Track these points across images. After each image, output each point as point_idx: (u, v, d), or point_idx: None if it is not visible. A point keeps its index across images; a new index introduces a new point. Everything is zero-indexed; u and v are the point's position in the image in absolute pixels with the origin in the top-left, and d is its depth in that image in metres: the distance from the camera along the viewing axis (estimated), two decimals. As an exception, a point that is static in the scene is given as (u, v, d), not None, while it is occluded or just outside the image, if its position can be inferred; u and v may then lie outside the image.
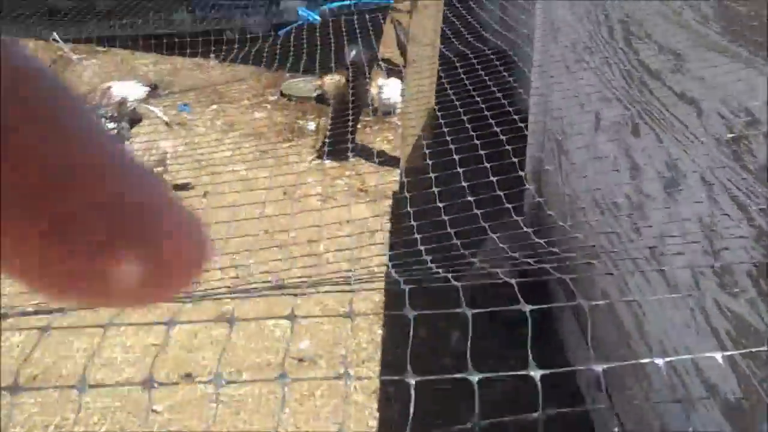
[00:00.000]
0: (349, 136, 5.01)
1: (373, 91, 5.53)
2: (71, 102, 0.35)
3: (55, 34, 6.26)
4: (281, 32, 5.38)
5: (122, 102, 4.69)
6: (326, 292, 3.45)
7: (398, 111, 5.27)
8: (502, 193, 3.25)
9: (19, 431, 2.75)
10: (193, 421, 2.79)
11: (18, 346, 3.12)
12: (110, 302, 0.42)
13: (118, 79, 5.12)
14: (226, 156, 4.79)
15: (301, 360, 3.06)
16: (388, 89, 5.44)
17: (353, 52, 6.29)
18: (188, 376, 2.97)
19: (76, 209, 0.35)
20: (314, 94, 5.96)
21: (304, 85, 6.16)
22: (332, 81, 5.86)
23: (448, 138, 3.94)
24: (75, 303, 0.41)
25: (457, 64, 4.51)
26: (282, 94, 6.06)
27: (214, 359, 3.05)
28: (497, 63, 4.43)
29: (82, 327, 3.18)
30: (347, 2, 4.28)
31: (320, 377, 3.00)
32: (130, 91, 4.76)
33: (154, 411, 2.79)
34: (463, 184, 3.56)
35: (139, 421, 2.74)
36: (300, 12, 4.37)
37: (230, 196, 4.40)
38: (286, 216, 4.20)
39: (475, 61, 4.52)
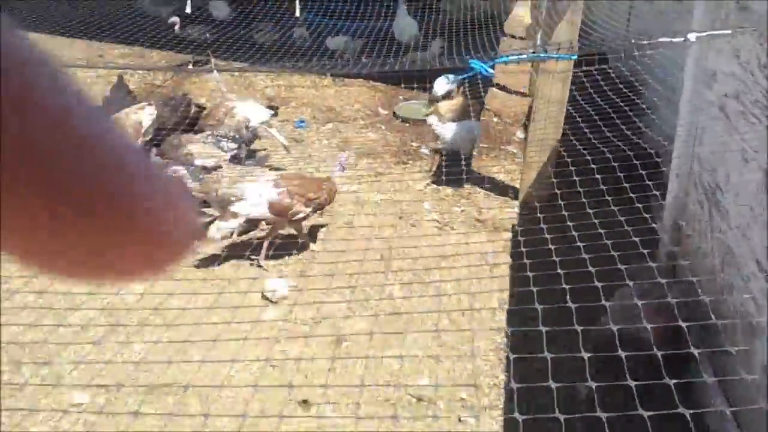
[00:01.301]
0: (465, 163, 4.90)
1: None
2: (67, 83, 0.39)
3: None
4: (456, 80, 5.34)
5: (245, 123, 4.74)
6: (444, 330, 3.35)
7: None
8: (636, 239, 3.07)
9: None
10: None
11: (139, 353, 3.15)
12: (104, 275, 0.47)
13: (238, 97, 5.18)
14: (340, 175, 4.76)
15: (419, 399, 2.94)
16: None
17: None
18: (305, 402, 2.91)
19: (66, 180, 0.38)
20: (425, 117, 5.88)
21: (418, 107, 6.10)
22: (447, 105, 5.77)
23: (575, 175, 3.78)
24: (68, 277, 0.45)
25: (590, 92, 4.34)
26: (395, 116, 6.02)
27: (330, 388, 2.98)
28: (627, 92, 4.24)
29: (194, 341, 3.19)
30: (525, 56, 4.15)
31: (439, 416, 2.88)
32: (253, 113, 4.79)
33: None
34: (595, 221, 3.39)
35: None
36: (472, 64, 4.29)
37: (345, 216, 4.37)
38: (402, 241, 4.12)
39: (606, 88, 4.34)
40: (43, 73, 0.40)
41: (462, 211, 4.49)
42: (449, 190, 4.72)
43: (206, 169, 4.22)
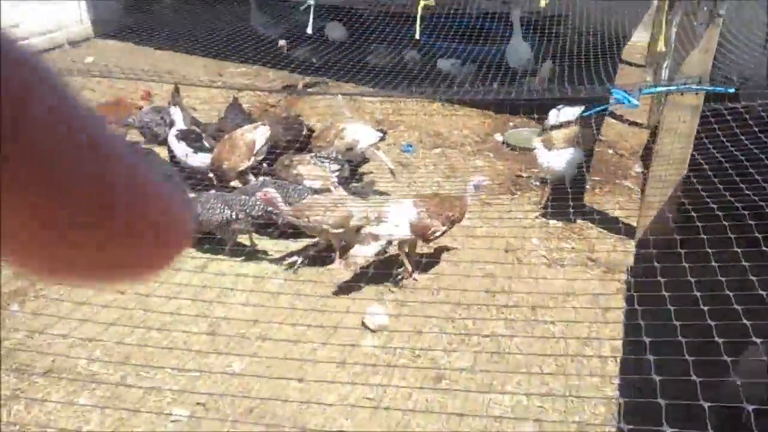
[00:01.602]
0: (574, 197, 4.68)
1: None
2: (65, 88, 0.41)
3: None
4: (589, 113, 5.16)
5: (353, 145, 4.73)
6: (551, 374, 3.17)
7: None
8: (765, 293, 2.81)
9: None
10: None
11: (237, 378, 3.15)
12: (97, 276, 0.47)
13: (347, 119, 5.20)
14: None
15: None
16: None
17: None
18: (402, 439, 2.82)
19: (65, 181, 0.39)
20: (535, 144, 5.70)
21: (528, 134, 5.93)
22: (561, 134, 5.56)
23: (698, 220, 3.53)
24: (64, 279, 0.48)
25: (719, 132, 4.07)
26: (505, 143, 5.88)
27: (428, 425, 2.87)
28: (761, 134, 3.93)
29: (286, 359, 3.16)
30: (674, 87, 3.95)
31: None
32: (363, 135, 4.78)
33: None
34: (717, 271, 3.15)
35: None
36: (614, 93, 4.13)
37: (448, 245, 4.25)
38: (507, 275, 3.97)
39: (736, 127, 4.05)
40: (41, 77, 0.41)
41: (572, 248, 4.28)
42: (559, 224, 4.52)
43: (315, 191, 4.24)
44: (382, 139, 4.87)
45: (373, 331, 3.48)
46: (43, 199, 0.40)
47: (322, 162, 4.46)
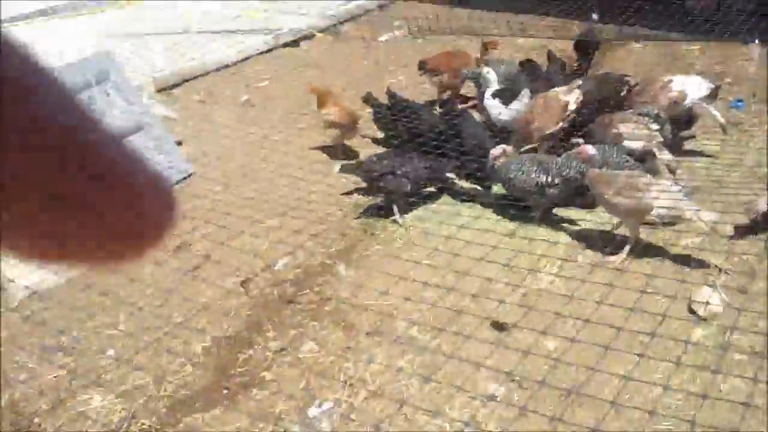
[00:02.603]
0: None
1: None
2: (48, 77, 0.44)
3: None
4: None
5: (679, 99, 4.25)
6: None
7: None
8: None
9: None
10: None
11: (554, 351, 3.03)
12: (83, 259, 0.50)
13: (674, 72, 4.69)
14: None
15: None
16: None
17: None
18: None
19: (45, 166, 0.43)
20: None
21: None
22: None
23: None
24: (54, 262, 0.48)
25: None
26: None
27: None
28: None
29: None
30: None
31: None
32: (691, 88, 4.28)
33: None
34: None
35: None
36: None
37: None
38: None
39: None
40: (28, 67, 0.44)
41: None
42: None
43: (632, 153, 3.90)
44: (714, 90, 4.31)
45: (703, 319, 3.11)
46: (31, 186, 0.43)
47: (644, 120, 4.07)
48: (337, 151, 5.09)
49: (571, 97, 4.39)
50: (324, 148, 5.21)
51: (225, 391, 3.07)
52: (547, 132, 4.39)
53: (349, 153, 5.10)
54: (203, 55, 7.24)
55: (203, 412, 2.96)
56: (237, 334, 3.43)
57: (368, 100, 5.27)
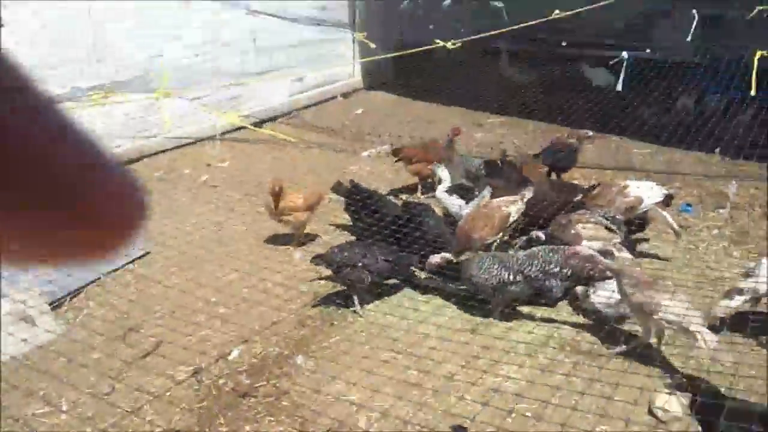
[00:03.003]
0: None
1: None
2: (23, 78, 0.45)
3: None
4: None
5: (635, 204, 4.40)
6: None
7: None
8: None
9: None
10: None
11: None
12: (51, 257, 0.50)
13: (634, 178, 4.87)
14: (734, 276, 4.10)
15: None
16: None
17: None
18: None
19: (14, 167, 0.43)
20: None
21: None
22: None
23: None
24: (21, 262, 0.48)
25: None
26: (806, 204, 5.13)
27: None
28: None
29: None
30: None
31: None
32: (647, 193, 4.44)
33: None
34: None
35: None
36: None
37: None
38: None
39: None
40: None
41: None
42: None
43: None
44: (668, 197, 4.49)
45: (663, 422, 3.12)
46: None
47: (602, 222, 4.19)
48: (295, 237, 5.06)
49: (513, 207, 4.51)
50: (284, 235, 5.19)
51: (175, 491, 2.90)
52: (487, 242, 4.46)
53: (308, 238, 5.10)
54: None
55: None
56: (187, 428, 3.28)
57: (338, 189, 5.30)
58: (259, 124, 7.81)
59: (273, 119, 7.92)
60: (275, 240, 5.15)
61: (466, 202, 4.85)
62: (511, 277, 3.88)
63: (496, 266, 3.92)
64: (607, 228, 4.16)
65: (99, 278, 4.65)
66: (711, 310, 3.59)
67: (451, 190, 4.98)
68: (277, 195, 4.81)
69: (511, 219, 4.53)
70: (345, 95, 8.90)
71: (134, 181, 0.55)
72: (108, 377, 3.64)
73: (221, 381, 3.60)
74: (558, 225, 4.26)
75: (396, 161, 6.05)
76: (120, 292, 4.55)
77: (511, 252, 4.26)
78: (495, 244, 4.53)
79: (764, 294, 3.53)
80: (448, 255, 4.19)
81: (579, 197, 4.76)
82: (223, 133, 7.54)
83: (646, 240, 4.74)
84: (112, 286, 4.60)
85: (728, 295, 3.61)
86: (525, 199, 4.57)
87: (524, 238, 4.41)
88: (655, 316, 3.37)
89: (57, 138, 0.48)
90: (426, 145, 5.96)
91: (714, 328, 3.41)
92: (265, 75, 7.99)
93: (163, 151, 7.03)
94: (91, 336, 4.06)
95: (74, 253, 0.52)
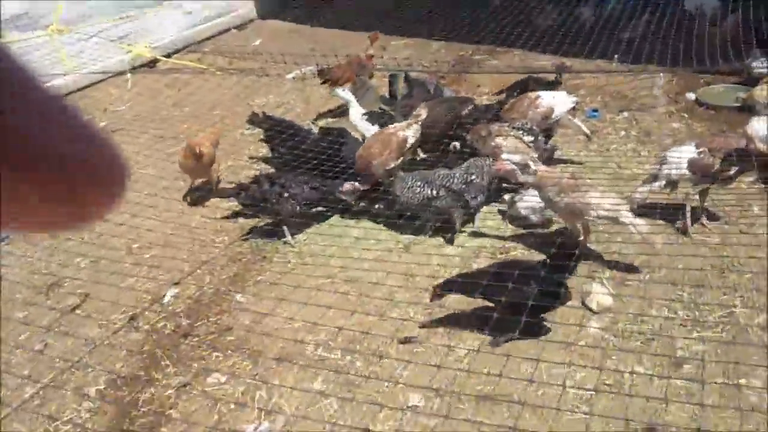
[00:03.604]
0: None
1: None
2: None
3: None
4: None
5: (548, 114, 4.52)
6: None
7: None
8: None
9: None
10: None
11: (465, 359, 3.10)
12: (34, 225, 0.55)
13: (544, 88, 4.97)
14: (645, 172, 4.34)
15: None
16: None
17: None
18: (651, 430, 2.65)
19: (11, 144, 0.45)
20: (737, 104, 5.23)
21: (727, 92, 5.46)
22: (765, 89, 5.07)
23: None
24: (11, 229, 0.53)
25: None
26: (699, 102, 5.43)
27: (678, 415, 2.69)
28: None
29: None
30: None
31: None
32: (559, 102, 4.56)
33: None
34: None
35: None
36: None
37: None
38: (735, 249, 3.66)
39: None
40: None
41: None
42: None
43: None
44: (576, 104, 4.64)
45: (595, 312, 3.31)
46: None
47: (520, 134, 4.29)
48: (212, 181, 4.82)
49: (409, 131, 4.50)
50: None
51: (129, 435, 2.86)
52: (389, 167, 4.38)
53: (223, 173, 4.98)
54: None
55: (109, 460, 2.74)
56: (133, 373, 3.21)
57: (253, 120, 5.16)
58: (154, 63, 7.44)
59: (168, 56, 7.54)
60: (189, 180, 4.98)
61: (380, 126, 4.81)
62: (435, 192, 3.94)
63: (419, 183, 3.97)
64: (522, 141, 4.25)
65: (7, 236, 4.39)
66: (631, 196, 3.82)
67: (369, 116, 4.95)
68: (199, 157, 4.49)
69: (410, 142, 4.50)
70: (239, 27, 8.56)
71: (117, 150, 0.57)
72: (38, 334, 3.50)
73: (160, 324, 3.53)
74: (478, 137, 4.32)
75: (322, 83, 5.94)
76: (32, 249, 4.32)
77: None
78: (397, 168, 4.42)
79: (676, 178, 3.77)
80: (357, 183, 4.22)
81: (469, 108, 4.84)
82: (133, 68, 7.17)
83: (556, 148, 4.89)
84: (22, 244, 4.37)
85: (646, 182, 3.90)
86: (420, 120, 4.56)
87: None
88: (586, 216, 3.53)
89: (47, 114, 0.50)
90: (351, 62, 5.86)
91: (634, 212, 3.62)
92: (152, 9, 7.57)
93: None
94: (12, 293, 3.87)
95: (65, 220, 0.54)
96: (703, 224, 3.87)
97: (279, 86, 6.70)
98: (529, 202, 3.95)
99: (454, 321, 3.34)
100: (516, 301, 2.99)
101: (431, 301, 3.31)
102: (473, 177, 4.03)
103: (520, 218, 4.05)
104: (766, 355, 2.91)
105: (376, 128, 4.82)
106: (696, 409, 2.71)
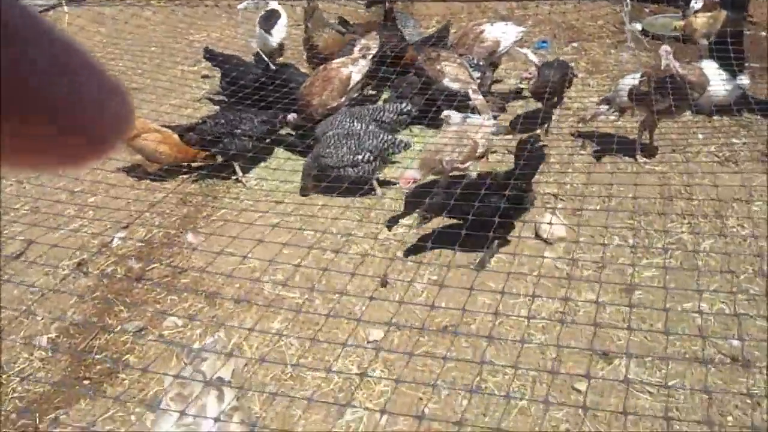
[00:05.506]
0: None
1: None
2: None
3: None
4: None
5: (494, 47, 4.47)
6: (749, 284, 3.00)
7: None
8: None
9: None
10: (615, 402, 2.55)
11: (422, 293, 3.12)
12: (42, 162, 0.51)
13: (488, 20, 4.89)
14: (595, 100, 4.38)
15: (734, 360, 2.65)
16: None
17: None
18: (605, 355, 2.74)
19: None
20: (674, 34, 5.28)
21: (669, 21, 5.50)
22: (703, 19, 5.11)
23: None
24: (12, 165, 0.48)
25: None
26: (645, 32, 5.47)
27: (629, 340, 2.78)
28: None
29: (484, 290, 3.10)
30: None
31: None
32: (503, 34, 4.50)
33: (575, 389, 2.61)
34: None
35: (561, 397, 2.58)
36: None
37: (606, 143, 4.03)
38: (680, 177, 3.75)
39: None
40: None
41: (744, 143, 3.99)
42: (725, 120, 4.21)
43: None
44: (525, 32, 4.60)
45: (549, 243, 3.37)
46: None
47: (465, 65, 4.22)
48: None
49: (355, 67, 4.27)
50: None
51: (86, 382, 2.80)
52: (330, 107, 4.25)
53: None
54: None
55: (66, 407, 2.68)
56: (86, 319, 3.13)
57: (209, 57, 4.96)
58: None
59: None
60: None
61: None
62: (362, 157, 3.78)
63: (348, 119, 3.94)
64: (467, 71, 4.19)
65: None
66: (587, 113, 4.07)
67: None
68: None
69: (354, 80, 4.28)
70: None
71: (121, 87, 0.55)
72: (-19, 282, 3.36)
73: (110, 269, 3.44)
74: (427, 57, 4.22)
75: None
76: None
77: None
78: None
79: (625, 104, 3.98)
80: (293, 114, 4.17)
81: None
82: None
83: (500, 81, 4.88)
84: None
85: (601, 102, 4.14)
86: (369, 57, 4.34)
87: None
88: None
89: (60, 59, 0.48)
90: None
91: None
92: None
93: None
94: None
95: (75, 156, 0.53)
96: (636, 157, 3.95)
97: (228, 19, 6.44)
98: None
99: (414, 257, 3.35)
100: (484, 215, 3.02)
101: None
102: (404, 106, 4.03)
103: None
104: (711, 279, 3.03)
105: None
106: (648, 335, 2.81)
